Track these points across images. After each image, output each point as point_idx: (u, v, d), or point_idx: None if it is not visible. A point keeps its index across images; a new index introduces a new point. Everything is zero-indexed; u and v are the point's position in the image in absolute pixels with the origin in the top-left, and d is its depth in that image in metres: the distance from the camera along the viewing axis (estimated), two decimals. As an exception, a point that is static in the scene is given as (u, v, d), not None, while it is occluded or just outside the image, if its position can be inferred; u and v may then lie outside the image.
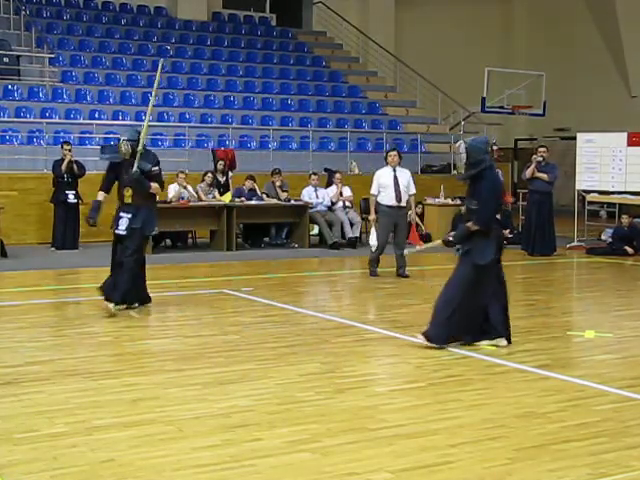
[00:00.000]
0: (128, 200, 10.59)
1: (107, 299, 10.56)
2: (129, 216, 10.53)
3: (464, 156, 9.63)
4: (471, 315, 9.03)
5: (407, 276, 14.16)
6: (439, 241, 10.17)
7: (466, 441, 6.06)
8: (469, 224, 8.98)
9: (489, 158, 9.19)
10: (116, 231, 10.57)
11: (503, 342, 9.07)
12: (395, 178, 14.04)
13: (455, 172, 22.94)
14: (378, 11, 29.24)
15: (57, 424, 6.30)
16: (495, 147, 23.17)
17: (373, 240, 14.05)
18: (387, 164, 14.34)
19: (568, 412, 6.82)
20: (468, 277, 8.95)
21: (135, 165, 10.36)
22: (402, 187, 14.01)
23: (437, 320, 8.97)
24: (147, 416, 6.55)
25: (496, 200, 9.27)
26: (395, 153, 14.43)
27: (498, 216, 10.08)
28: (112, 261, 10.83)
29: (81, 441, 5.95)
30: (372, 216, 14.34)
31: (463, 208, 19.34)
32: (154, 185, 10.72)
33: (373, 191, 14.26)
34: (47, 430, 6.16)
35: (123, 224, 10.55)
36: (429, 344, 8.89)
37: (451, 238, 9.35)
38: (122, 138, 10.74)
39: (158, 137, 20.81)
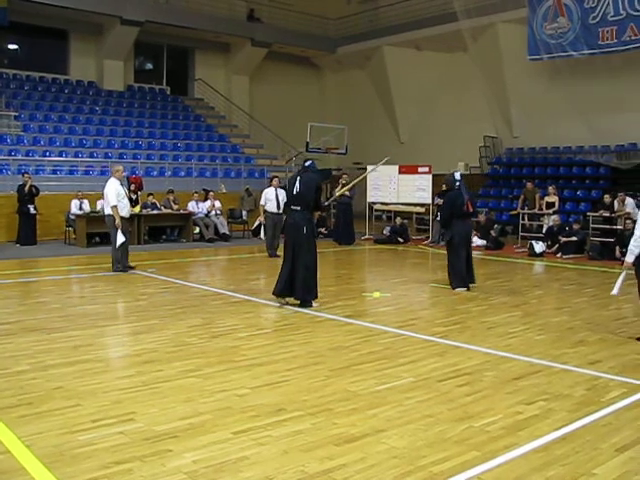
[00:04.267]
0: None
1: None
2: None
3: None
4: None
5: (278, 256, 13.49)
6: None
7: (298, 366, 6.17)
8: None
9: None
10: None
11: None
12: (276, 195, 14.45)
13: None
14: (238, 85, 29.17)
15: (22, 364, 6.09)
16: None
17: (263, 234, 14.36)
18: (271, 185, 14.69)
19: (362, 345, 7.01)
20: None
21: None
22: (281, 200, 14.18)
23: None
24: (85, 357, 6.39)
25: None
26: (277, 179, 14.96)
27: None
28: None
29: (39, 375, 5.77)
30: (261, 218, 14.61)
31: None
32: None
33: (262, 202, 14.66)
34: (16, 368, 5.96)
35: None
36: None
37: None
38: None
39: (89, 168, 20.40)
